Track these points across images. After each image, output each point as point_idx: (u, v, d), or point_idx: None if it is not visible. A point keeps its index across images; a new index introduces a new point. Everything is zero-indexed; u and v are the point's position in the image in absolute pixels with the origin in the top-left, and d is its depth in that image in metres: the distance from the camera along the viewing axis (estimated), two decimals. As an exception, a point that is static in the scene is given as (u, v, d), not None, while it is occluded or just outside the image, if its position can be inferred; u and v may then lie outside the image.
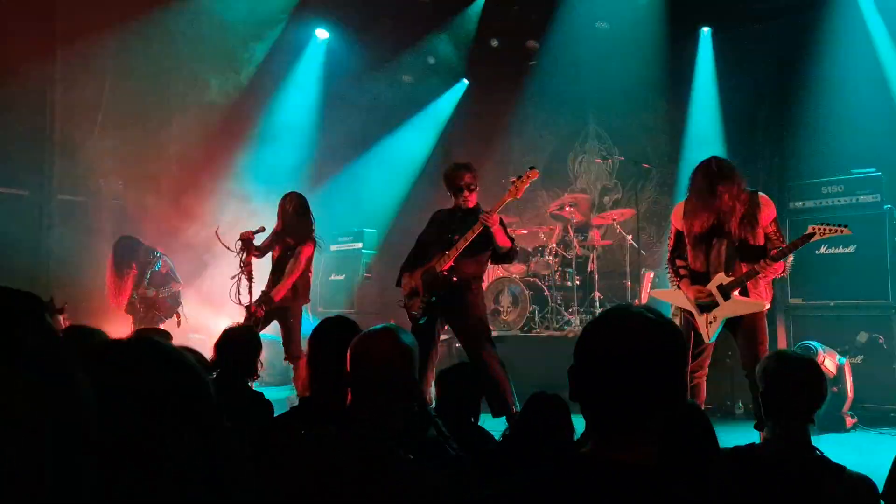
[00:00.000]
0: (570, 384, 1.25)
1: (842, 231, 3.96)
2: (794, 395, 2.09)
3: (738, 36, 7.77)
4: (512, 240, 4.82)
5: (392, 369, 1.86)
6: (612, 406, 1.20)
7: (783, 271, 4.10)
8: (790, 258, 4.13)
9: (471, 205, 4.82)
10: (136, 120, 7.63)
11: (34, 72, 6.80)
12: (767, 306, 4.15)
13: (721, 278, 4.11)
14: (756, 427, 3.74)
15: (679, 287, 4.33)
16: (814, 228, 3.99)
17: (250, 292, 5.51)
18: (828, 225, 3.96)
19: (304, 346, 3.17)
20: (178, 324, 6.60)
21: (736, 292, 4.09)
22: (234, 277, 5.49)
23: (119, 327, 6.22)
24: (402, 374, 1.87)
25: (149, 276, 6.61)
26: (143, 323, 6.44)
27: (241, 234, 5.54)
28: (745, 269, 4.06)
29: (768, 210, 4.12)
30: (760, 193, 4.17)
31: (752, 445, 2.13)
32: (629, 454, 1.18)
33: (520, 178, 4.69)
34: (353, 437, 1.79)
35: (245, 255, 5.51)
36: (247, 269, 5.50)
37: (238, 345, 3.18)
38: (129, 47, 7.32)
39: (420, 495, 1.69)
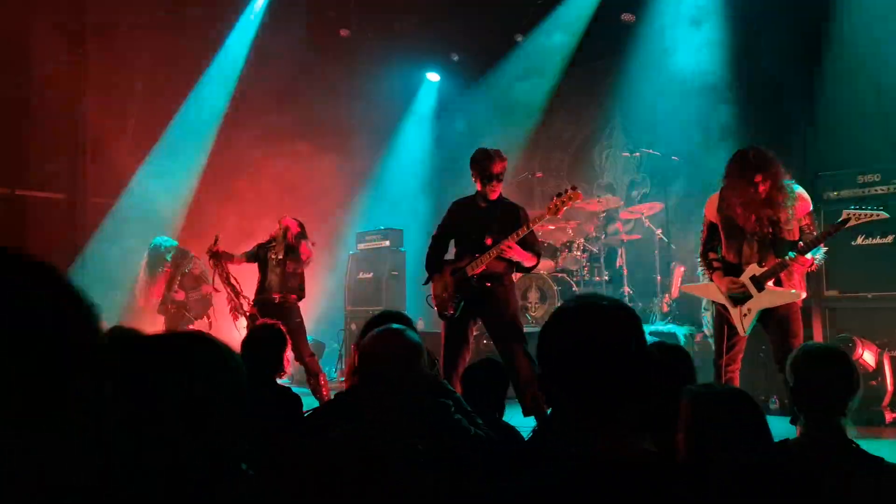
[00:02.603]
0: (543, 393, 1.24)
1: (878, 215, 3.85)
2: (824, 388, 2.04)
3: (761, 24, 7.62)
4: (538, 255, 4.73)
5: (401, 367, 1.88)
6: (587, 402, 1.19)
7: (812, 265, 4.00)
8: (823, 250, 4.02)
9: (494, 196, 4.73)
10: (165, 124, 7.75)
11: (67, 82, 6.96)
12: (804, 296, 4.06)
13: (754, 269, 4.04)
14: (792, 422, 3.66)
15: (712, 280, 4.27)
16: (848, 214, 3.89)
17: (239, 301, 5.71)
18: (863, 210, 3.86)
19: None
20: (210, 325, 6.67)
21: (770, 283, 4.01)
22: (231, 307, 5.72)
23: (150, 328, 6.31)
24: (411, 370, 1.89)
25: (180, 277, 6.70)
26: (174, 323, 6.53)
27: (209, 250, 5.76)
28: (778, 260, 4.00)
29: (804, 203, 4.06)
30: (796, 186, 4.09)
31: (785, 441, 2.08)
32: (614, 448, 1.16)
33: (560, 196, 4.60)
34: (361, 437, 1.81)
35: (220, 268, 5.73)
36: (227, 279, 5.72)
37: (263, 342, 3.22)
38: (157, 56, 7.42)
39: (420, 495, 1.70)
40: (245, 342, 3.27)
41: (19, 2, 6.67)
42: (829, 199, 5.78)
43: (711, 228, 4.29)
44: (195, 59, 7.72)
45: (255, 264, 6.12)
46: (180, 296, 6.67)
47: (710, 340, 5.67)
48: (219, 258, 5.74)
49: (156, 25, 7.27)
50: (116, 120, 7.39)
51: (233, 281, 5.76)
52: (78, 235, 7.35)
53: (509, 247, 4.48)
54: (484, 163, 4.66)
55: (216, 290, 5.83)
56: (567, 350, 1.20)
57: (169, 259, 6.76)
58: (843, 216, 3.90)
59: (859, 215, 3.86)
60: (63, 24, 6.94)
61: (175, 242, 6.92)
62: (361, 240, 8.97)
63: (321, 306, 8.38)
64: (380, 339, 1.95)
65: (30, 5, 6.74)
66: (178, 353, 0.87)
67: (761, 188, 3.96)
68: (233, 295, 5.72)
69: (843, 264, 5.55)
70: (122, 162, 7.48)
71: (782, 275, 4.00)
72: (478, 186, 4.74)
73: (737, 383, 4.16)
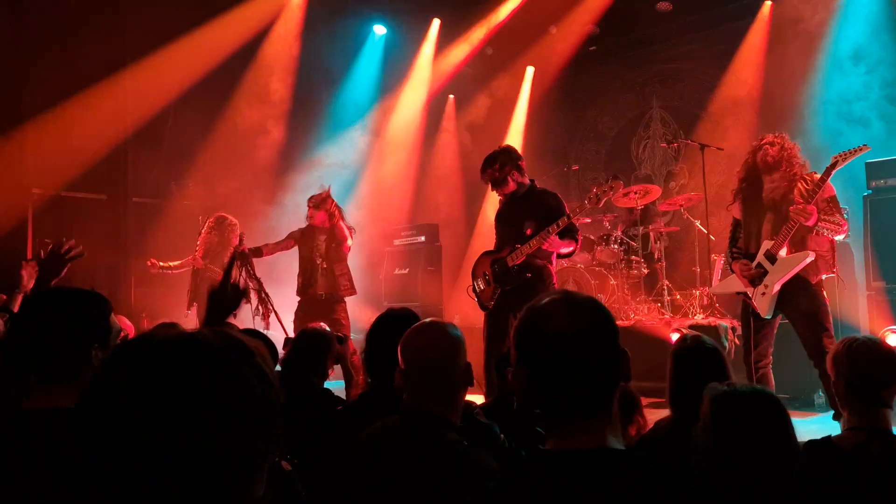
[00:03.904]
0: (516, 388, 1.25)
1: (862, 149, 3.92)
2: (866, 381, 1.98)
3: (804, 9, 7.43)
4: (576, 240, 4.66)
5: (443, 360, 1.88)
6: (563, 396, 1.20)
7: (824, 223, 3.90)
8: (845, 225, 3.97)
9: (502, 197, 4.76)
10: (203, 124, 7.89)
11: (107, 85, 7.15)
12: (811, 257, 3.96)
13: (766, 245, 4.06)
14: (835, 418, 3.57)
15: (733, 270, 4.27)
16: (836, 158, 3.94)
17: (269, 303, 5.73)
18: (848, 150, 3.92)
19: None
20: (235, 315, 6.69)
21: (782, 252, 3.99)
22: (245, 301, 5.70)
23: (192, 323, 6.42)
24: (452, 362, 1.89)
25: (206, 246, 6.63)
26: (197, 299, 6.58)
27: (234, 251, 5.79)
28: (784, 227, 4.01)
29: (825, 190, 4.01)
30: (817, 175, 4.07)
31: (828, 438, 2.02)
32: (594, 440, 1.18)
33: (601, 185, 4.55)
34: (416, 428, 1.81)
35: (247, 267, 5.76)
36: (252, 276, 5.76)
37: (306, 344, 3.20)
38: (194, 56, 7.56)
39: (458, 487, 1.69)
40: (293, 341, 3.28)
41: (60, 14, 6.90)
42: (879, 186, 5.60)
43: (736, 226, 4.33)
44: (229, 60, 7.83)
45: (295, 248, 6.21)
46: (199, 264, 6.56)
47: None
48: (245, 258, 5.78)
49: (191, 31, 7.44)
50: (156, 121, 7.54)
51: (258, 277, 5.83)
52: (121, 234, 7.55)
53: (547, 238, 4.45)
54: None
55: (252, 289, 5.86)
56: (540, 346, 1.23)
57: (221, 233, 6.69)
58: (832, 160, 3.95)
59: (846, 154, 3.93)
60: (104, 36, 7.17)
61: (232, 230, 6.82)
62: (397, 235, 9.00)
63: (357, 302, 8.43)
64: (422, 331, 1.95)
65: (71, 16, 6.96)
66: (190, 358, 0.86)
67: (775, 175, 4.05)
68: (259, 295, 5.77)
69: (890, 254, 5.39)
70: (162, 163, 7.63)
71: (792, 246, 4.00)
72: None
73: (771, 380, 4.07)
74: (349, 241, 6.11)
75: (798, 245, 3.99)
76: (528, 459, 1.24)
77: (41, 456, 1.48)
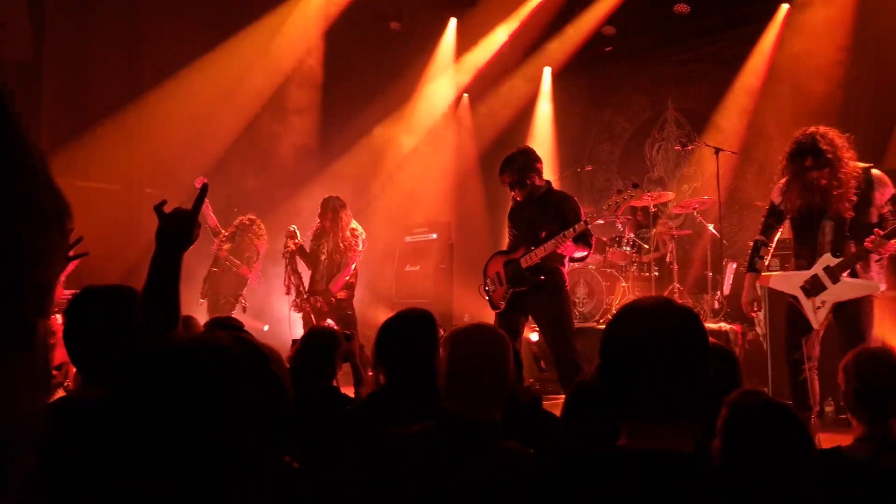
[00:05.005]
0: (600, 381, 1.29)
1: None
2: (876, 392, 1.97)
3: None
4: (590, 245, 4.67)
5: (489, 360, 1.88)
6: (642, 396, 1.23)
7: (890, 251, 3.70)
8: None
9: (519, 198, 4.72)
10: (220, 122, 7.95)
11: (126, 84, 7.26)
12: (882, 288, 3.77)
13: (827, 260, 3.79)
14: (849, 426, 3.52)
15: (748, 270, 4.12)
16: None
17: (305, 298, 6.00)
18: None
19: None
20: (245, 309, 6.79)
21: (845, 274, 3.75)
22: (288, 291, 6.01)
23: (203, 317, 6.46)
24: (500, 365, 1.89)
25: (235, 233, 6.74)
26: (213, 302, 6.65)
27: (288, 243, 6.06)
28: (854, 250, 3.73)
29: (884, 188, 3.77)
30: (874, 170, 3.81)
31: (837, 448, 2.01)
32: (666, 442, 1.19)
33: (620, 192, 4.52)
34: (454, 430, 1.79)
35: (293, 262, 6.02)
36: (294, 275, 6.01)
37: (313, 343, 3.19)
38: (208, 58, 7.64)
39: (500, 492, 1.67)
40: (301, 341, 3.29)
41: (80, 15, 7.02)
42: (893, 195, 5.52)
43: (775, 214, 4.08)
44: (243, 59, 7.88)
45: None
46: (222, 253, 6.73)
47: (763, 340, 5.51)
48: (301, 251, 6.08)
49: (206, 31, 7.52)
50: (169, 114, 7.59)
51: (299, 272, 6.04)
52: (134, 223, 7.61)
53: (563, 243, 4.43)
54: None
55: (292, 283, 6.08)
56: (637, 345, 1.25)
57: (250, 235, 6.85)
58: None
59: None
60: (121, 33, 7.28)
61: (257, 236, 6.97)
62: (409, 232, 9.00)
63: (367, 299, 8.46)
64: (471, 333, 1.94)
65: (89, 17, 7.07)
66: (201, 362, 0.87)
67: (819, 174, 3.73)
68: (297, 289, 5.99)
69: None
70: (175, 154, 7.68)
71: (857, 266, 3.75)
72: None
73: (815, 383, 3.91)
74: (356, 259, 6.18)
75: (862, 264, 3.75)
76: (599, 455, 1.25)
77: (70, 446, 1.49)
